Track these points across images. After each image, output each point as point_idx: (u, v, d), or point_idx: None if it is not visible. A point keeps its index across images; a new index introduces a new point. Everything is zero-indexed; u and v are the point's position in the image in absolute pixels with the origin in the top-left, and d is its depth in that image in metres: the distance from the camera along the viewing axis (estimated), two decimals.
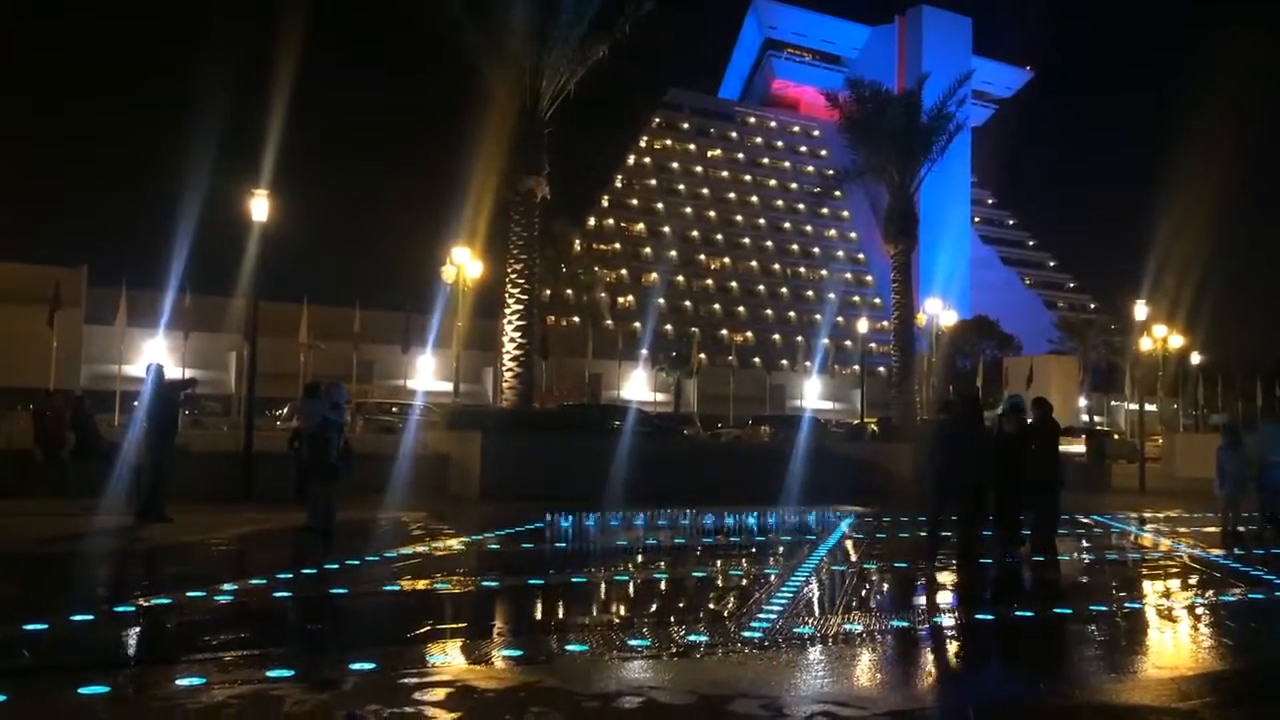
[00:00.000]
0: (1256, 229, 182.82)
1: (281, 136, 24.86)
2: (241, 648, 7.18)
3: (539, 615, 9.45)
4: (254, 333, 20.80)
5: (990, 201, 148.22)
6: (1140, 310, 35.57)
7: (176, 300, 44.56)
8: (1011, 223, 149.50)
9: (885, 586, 10.99)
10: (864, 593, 10.43)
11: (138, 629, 8.08)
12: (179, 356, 43.82)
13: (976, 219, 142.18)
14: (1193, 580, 11.99)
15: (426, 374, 49.41)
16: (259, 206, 20.24)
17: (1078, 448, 42.08)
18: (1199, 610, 9.94)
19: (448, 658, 7.08)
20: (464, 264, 35.84)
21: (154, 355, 34.84)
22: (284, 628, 8.44)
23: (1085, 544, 15.27)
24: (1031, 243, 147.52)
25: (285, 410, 39.35)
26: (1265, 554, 13.98)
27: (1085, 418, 73.94)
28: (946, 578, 11.53)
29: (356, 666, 6.45)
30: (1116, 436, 57.36)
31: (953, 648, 8.20)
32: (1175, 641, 8.76)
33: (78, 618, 7.93)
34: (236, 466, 19.03)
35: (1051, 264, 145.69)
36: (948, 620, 9.18)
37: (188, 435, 28.31)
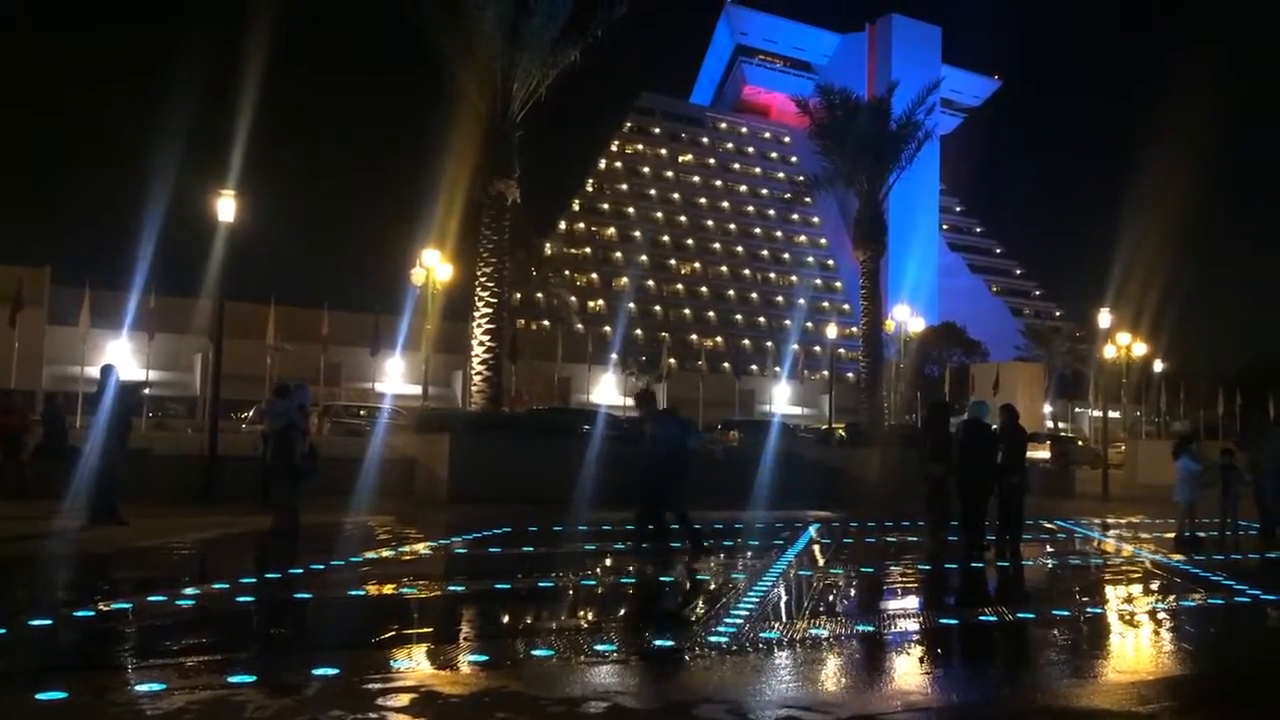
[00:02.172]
0: (1219, 240, 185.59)
1: (250, 136, 24.66)
2: (202, 653, 7.10)
3: (505, 620, 9.40)
4: (220, 334, 20.59)
5: (958, 209, 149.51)
6: (1104, 318, 36.01)
7: (141, 301, 44.09)
8: (979, 230, 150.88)
9: (852, 590, 11.04)
10: (830, 597, 10.47)
11: (96, 633, 7.95)
12: (143, 358, 43.34)
13: (945, 226, 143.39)
14: (1152, 585, 12.14)
15: (395, 377, 49.17)
16: (226, 207, 20.06)
17: (1043, 454, 42.49)
18: (1159, 615, 10.05)
19: (413, 663, 7.03)
20: (433, 266, 35.67)
21: (118, 356, 34.49)
22: (246, 633, 8.34)
23: (1049, 549, 15.42)
24: (998, 250, 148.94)
25: (251, 413, 39.01)
26: (1225, 560, 14.19)
27: (1050, 424, 74.68)
28: (915, 580, 11.59)
29: (320, 672, 6.38)
30: (1080, 443, 57.98)
31: (916, 651, 8.25)
32: (1136, 645, 8.85)
33: (33, 622, 7.80)
34: (201, 469, 18.83)
35: (1018, 272, 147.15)
36: (912, 624, 9.23)
37: (150, 437, 28.10)
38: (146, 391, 37.35)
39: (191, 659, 6.83)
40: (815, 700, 6.29)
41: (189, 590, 9.19)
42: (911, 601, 10.77)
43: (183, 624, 8.15)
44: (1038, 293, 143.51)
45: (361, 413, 41.30)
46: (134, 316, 44.80)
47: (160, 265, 43.03)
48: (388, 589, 10.10)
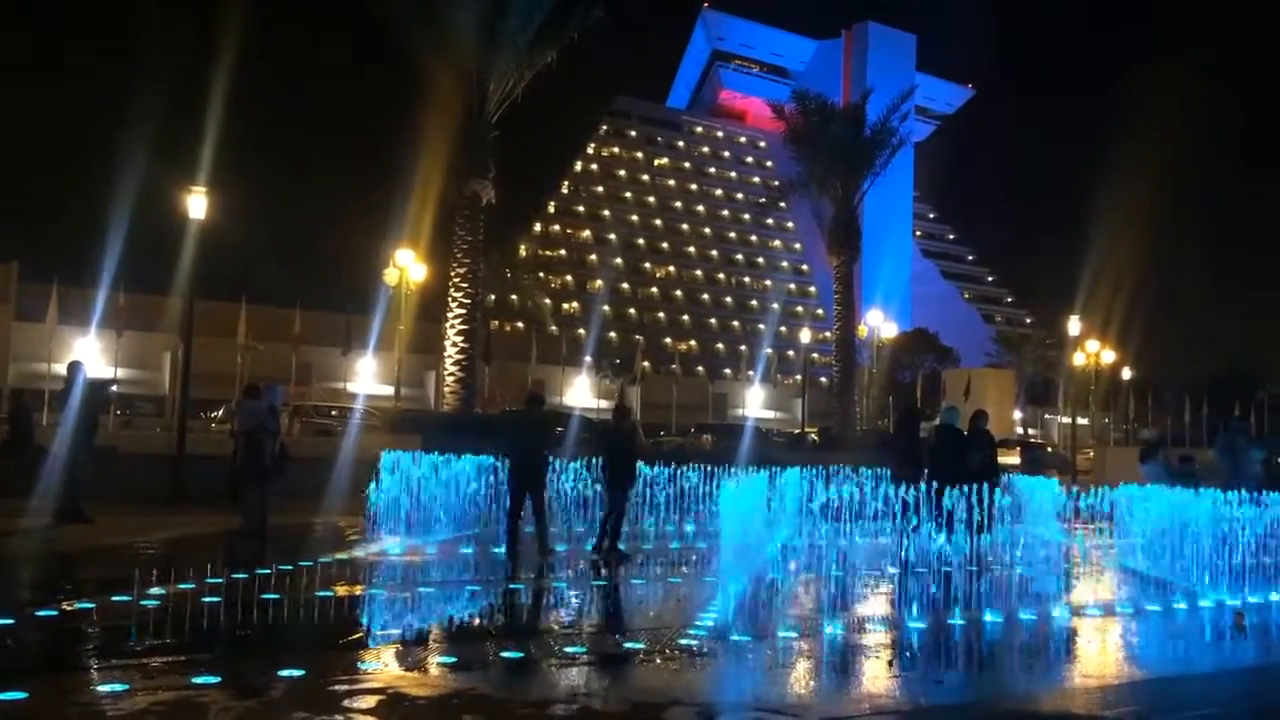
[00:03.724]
0: (1187, 249, 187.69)
1: (222, 132, 24.47)
2: (167, 653, 7.02)
3: (474, 621, 9.36)
4: (189, 332, 20.42)
5: (931, 216, 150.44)
6: (1074, 326, 36.37)
7: (110, 298, 43.58)
8: (951, 237, 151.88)
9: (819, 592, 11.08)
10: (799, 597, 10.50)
11: (58, 634, 7.85)
12: (111, 355, 42.85)
13: (918, 233, 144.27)
14: (1115, 588, 12.26)
15: (367, 377, 48.88)
16: (197, 204, 19.88)
17: (1013, 459, 42.79)
18: (1122, 619, 10.16)
19: (380, 664, 6.99)
20: (407, 267, 35.50)
21: (85, 354, 34.03)
22: (212, 633, 8.26)
23: (1019, 553, 15.51)
24: (971, 257, 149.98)
25: (220, 412, 38.66)
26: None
27: (1020, 430, 75.29)
28: (884, 585, 11.65)
29: (286, 673, 6.33)
30: (1050, 449, 58.47)
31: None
32: (1102, 649, 8.94)
33: None
34: (169, 468, 18.63)
35: (990, 279, 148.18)
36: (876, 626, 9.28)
37: (118, 436, 27.76)
38: (114, 389, 36.91)
39: (155, 660, 6.76)
40: (784, 701, 6.30)
41: (154, 590, 9.09)
42: (873, 606, 10.82)
43: (147, 624, 8.06)
44: (1009, 300, 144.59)
45: (333, 413, 41.01)
46: (102, 313, 44.28)
47: (130, 262, 42.54)
48: (356, 590, 10.04)
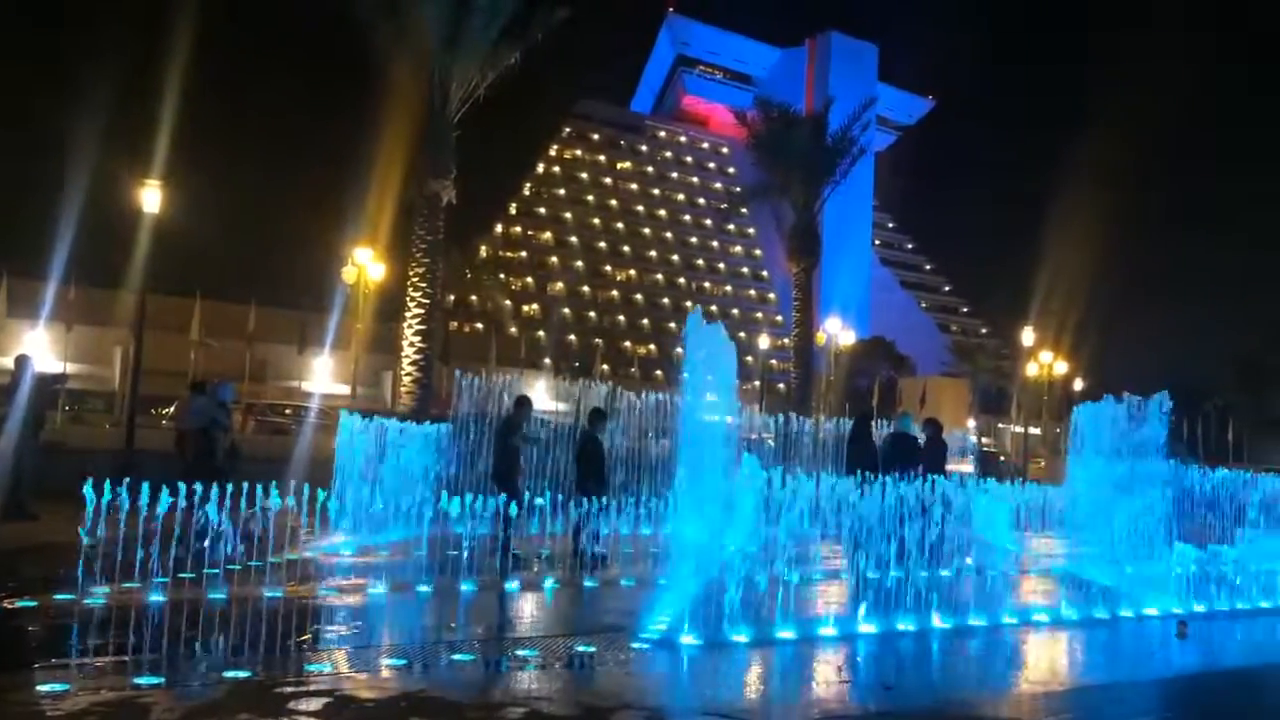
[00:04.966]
0: (1139, 262, 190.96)
1: (178, 125, 24.16)
2: (110, 653, 6.91)
3: (425, 623, 9.30)
4: (141, 327, 20.14)
5: (891, 225, 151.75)
6: (1027, 336, 36.86)
7: (60, 291, 42.85)
8: (910, 247, 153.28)
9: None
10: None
11: None
12: (61, 350, 42.09)
13: (877, 242, 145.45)
14: (1068, 595, 12.43)
15: (324, 376, 48.39)
16: (151, 197, 19.61)
17: (966, 468, 43.23)
18: (1069, 625, 10.31)
19: (329, 665, 6.92)
20: (365, 265, 35.22)
21: (34, 348, 33.38)
22: (157, 634, 8.13)
23: (968, 560, 15.66)
24: (928, 267, 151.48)
25: (172, 409, 38.10)
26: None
27: (974, 439, 76.07)
28: (836, 588, 11.72)
29: (231, 674, 6.26)
30: (1003, 459, 59.18)
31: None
32: (1051, 656, 9.07)
33: None
34: (118, 465, 18.30)
35: (947, 288, 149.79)
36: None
37: (66, 431, 27.27)
38: (62, 385, 36.25)
39: (99, 659, 6.65)
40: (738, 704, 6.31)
41: (98, 589, 8.93)
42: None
43: (91, 623, 7.92)
44: (965, 310, 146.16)
45: (287, 411, 40.52)
46: (52, 307, 43.50)
47: (82, 255, 41.82)
48: (306, 591, 9.94)
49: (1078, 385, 69.77)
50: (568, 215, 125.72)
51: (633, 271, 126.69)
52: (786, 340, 54.18)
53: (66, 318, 43.90)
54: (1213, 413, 70.53)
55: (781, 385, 77.65)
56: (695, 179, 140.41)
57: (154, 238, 20.22)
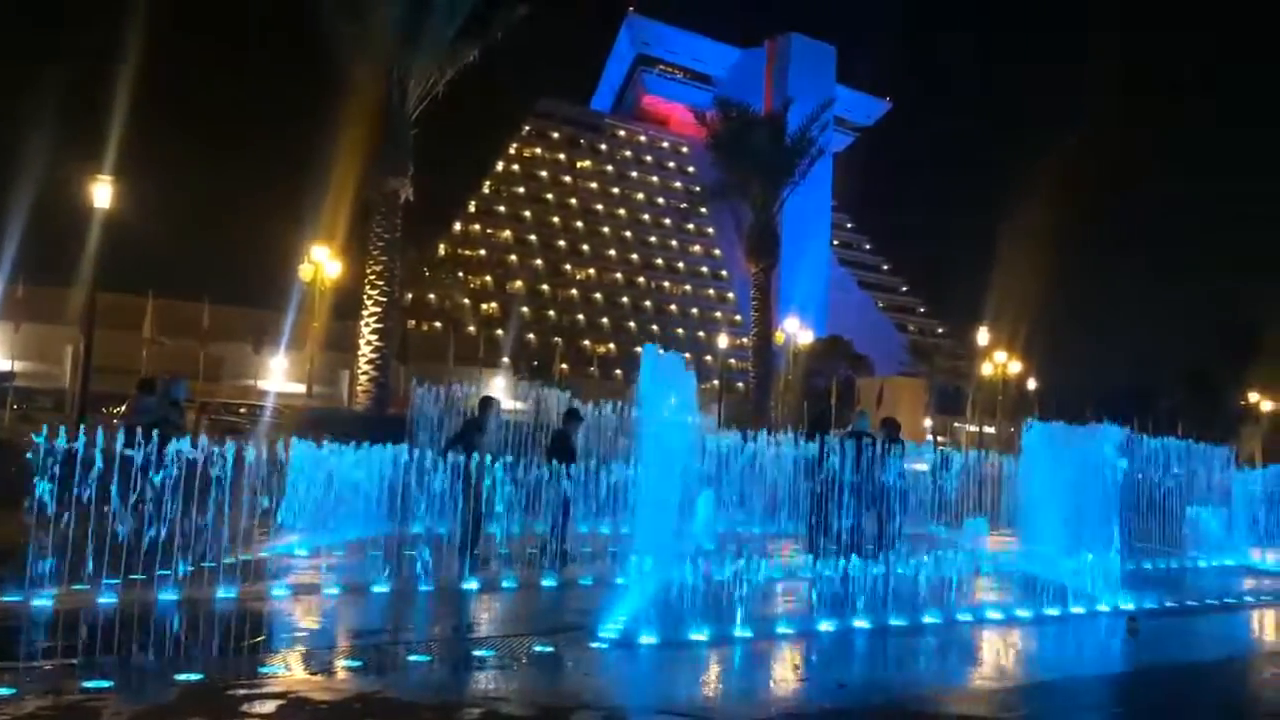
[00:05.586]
0: (1092, 264, 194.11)
1: (131, 122, 23.79)
2: (58, 657, 6.79)
3: (381, 625, 9.24)
4: (91, 325, 19.82)
5: (849, 226, 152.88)
6: (983, 336, 37.31)
7: (8, 289, 42.07)
8: (868, 247, 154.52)
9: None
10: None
11: None
12: (9, 348, 41.34)
13: (835, 242, 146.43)
14: (1026, 590, 12.61)
15: (279, 375, 47.86)
16: (102, 193, 19.29)
17: (922, 467, 43.69)
18: (1027, 623, 10.46)
19: (283, 668, 6.85)
20: (322, 263, 34.86)
21: None
22: (107, 636, 7.99)
23: (924, 557, 15.82)
24: (886, 267, 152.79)
25: (123, 408, 37.50)
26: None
27: (930, 438, 76.88)
28: (791, 585, 11.80)
29: (183, 677, 6.17)
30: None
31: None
32: (1001, 652, 9.19)
33: None
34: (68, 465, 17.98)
35: (904, 289, 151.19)
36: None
37: (13, 429, 26.74)
38: (5, 384, 35.65)
39: (46, 663, 6.53)
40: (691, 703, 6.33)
41: (45, 591, 8.77)
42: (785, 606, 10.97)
43: (38, 627, 7.78)
44: (922, 310, 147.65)
45: (242, 410, 40.00)
46: (0, 305, 42.73)
47: (30, 252, 41.13)
48: (259, 591, 9.83)
49: (1031, 385, 70.73)
50: (527, 214, 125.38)
51: (592, 270, 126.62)
52: (745, 339, 54.39)
53: (15, 315, 43.13)
54: (1166, 409, 71.79)
55: (740, 384, 77.99)
56: (655, 178, 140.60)
57: (106, 234, 19.91)
